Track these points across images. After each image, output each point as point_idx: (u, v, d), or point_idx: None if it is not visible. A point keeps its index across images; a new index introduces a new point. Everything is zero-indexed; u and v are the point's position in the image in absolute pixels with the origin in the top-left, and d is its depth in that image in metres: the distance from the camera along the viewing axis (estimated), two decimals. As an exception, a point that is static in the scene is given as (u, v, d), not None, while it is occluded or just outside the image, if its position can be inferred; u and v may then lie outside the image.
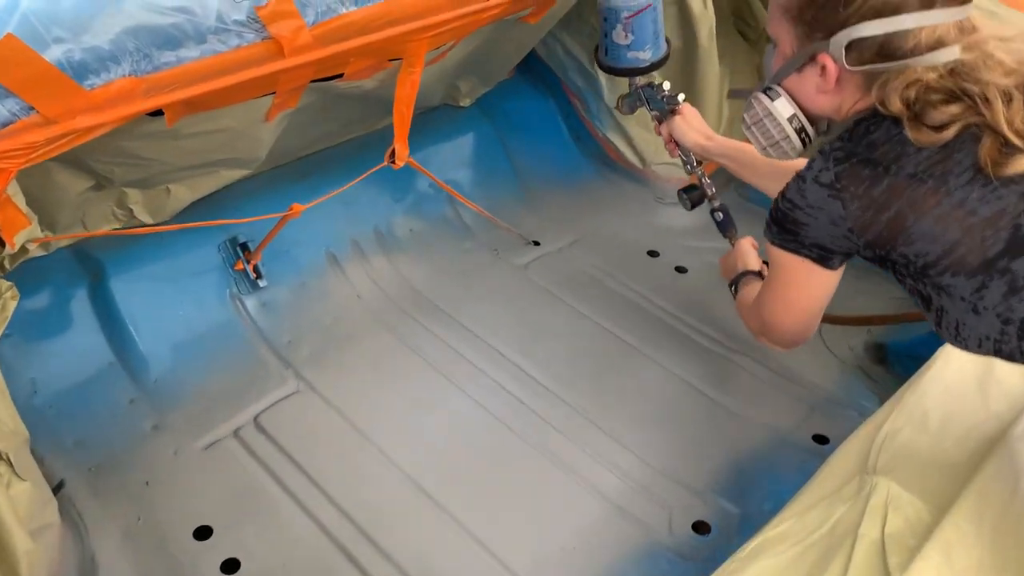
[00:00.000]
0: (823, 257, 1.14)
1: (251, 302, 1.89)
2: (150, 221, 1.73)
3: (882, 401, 1.29)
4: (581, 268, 2.14)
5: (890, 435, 1.23)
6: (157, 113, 1.27)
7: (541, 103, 2.47)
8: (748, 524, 1.51)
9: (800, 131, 1.17)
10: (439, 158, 2.22)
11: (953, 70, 1.01)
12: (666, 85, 1.67)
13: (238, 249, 1.86)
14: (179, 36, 1.14)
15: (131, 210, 1.70)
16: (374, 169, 1.68)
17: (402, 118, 1.61)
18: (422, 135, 1.99)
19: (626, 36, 1.61)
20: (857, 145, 1.05)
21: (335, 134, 2.01)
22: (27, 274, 1.58)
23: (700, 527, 1.51)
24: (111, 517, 1.49)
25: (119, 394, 1.70)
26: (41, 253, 1.62)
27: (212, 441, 1.65)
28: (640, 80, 1.70)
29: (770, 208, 1.16)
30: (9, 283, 1.33)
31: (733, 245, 1.69)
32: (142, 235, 1.69)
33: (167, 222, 1.72)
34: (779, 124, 1.17)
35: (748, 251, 1.66)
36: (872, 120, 1.06)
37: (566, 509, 1.54)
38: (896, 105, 1.01)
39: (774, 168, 1.52)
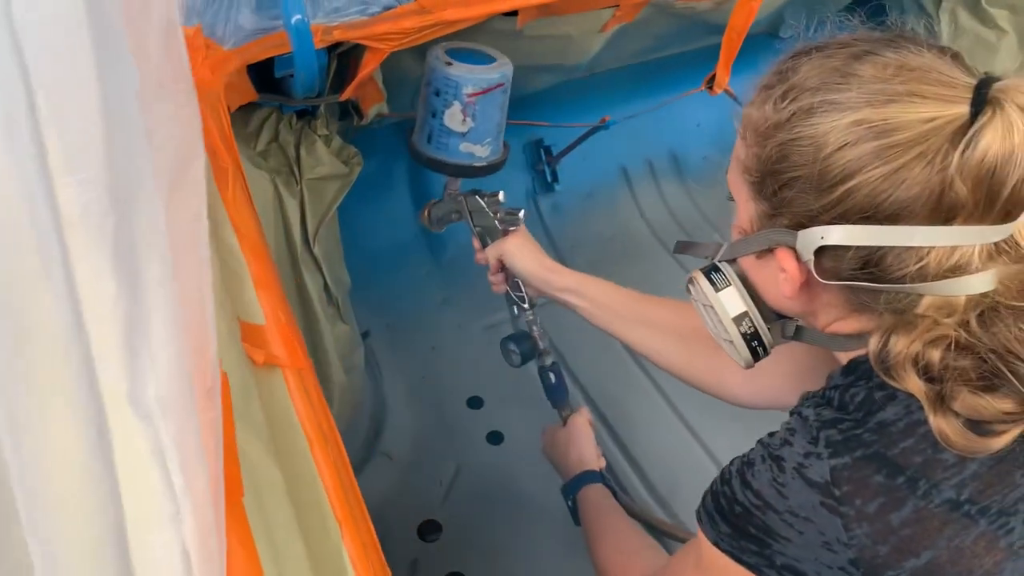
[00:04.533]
0: None
1: (544, 202, 1.99)
2: (469, 111, 1.85)
3: None
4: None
5: None
6: (511, 13, 1.34)
7: (867, 45, 2.31)
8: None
9: (751, 337, 0.77)
10: (748, 89, 2.17)
11: (992, 318, 0.64)
12: (501, 196, 1.29)
13: (541, 151, 1.95)
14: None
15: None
16: (691, 92, 1.68)
17: (731, 44, 1.58)
18: (736, 62, 1.95)
19: (464, 121, 1.22)
20: (861, 424, 0.67)
21: (653, 50, 2.01)
22: (362, 142, 1.76)
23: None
24: (401, 372, 1.68)
25: (418, 264, 1.88)
26: (374, 126, 1.80)
27: (492, 324, 1.79)
28: (459, 184, 1.34)
29: (712, 488, 0.75)
30: (355, 150, 1.49)
31: (564, 419, 1.33)
32: (461, 123, 1.82)
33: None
34: (721, 323, 0.78)
35: (584, 437, 1.28)
36: (875, 381, 0.68)
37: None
38: (910, 381, 0.64)
39: (645, 318, 1.13)
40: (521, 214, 1.25)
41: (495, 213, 1.27)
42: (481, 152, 1.26)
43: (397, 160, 1.92)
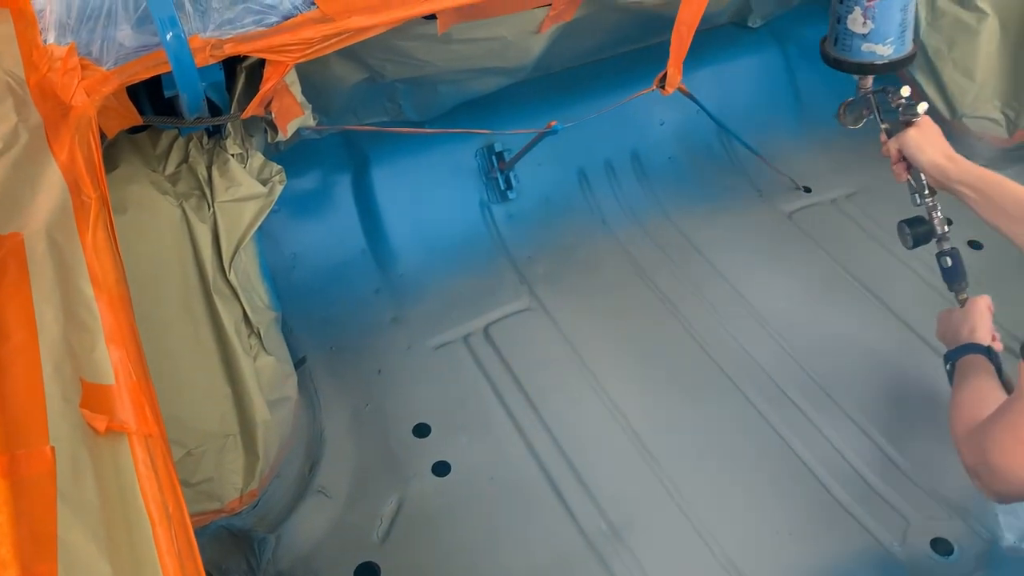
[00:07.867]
0: None
1: (499, 212, 1.88)
2: (416, 117, 1.75)
3: None
4: (856, 225, 1.92)
5: None
6: (432, 16, 1.24)
7: (842, 31, 2.19)
8: (998, 555, 1.32)
9: None
10: (715, 81, 2.06)
11: None
12: (905, 91, 1.39)
13: (493, 158, 1.85)
14: (459, -62, 1.10)
15: (400, 105, 1.73)
16: (641, 93, 1.57)
17: (681, 40, 1.47)
18: (700, 55, 1.83)
19: (864, 23, 1.36)
20: None
21: (605, 48, 1.90)
22: (300, 155, 1.66)
23: (940, 545, 1.34)
24: (343, 398, 1.58)
25: (367, 282, 1.78)
26: (315, 136, 1.70)
27: (443, 343, 1.69)
28: (870, 82, 1.46)
29: None
30: (279, 167, 1.39)
31: (960, 302, 1.39)
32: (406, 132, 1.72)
33: (431, 123, 1.74)
34: None
35: (980, 316, 1.32)
36: None
37: (787, 490, 1.43)
38: None
39: None
40: (921, 108, 1.34)
41: (897, 107, 1.38)
42: (883, 51, 1.39)
43: (342, 172, 1.83)
